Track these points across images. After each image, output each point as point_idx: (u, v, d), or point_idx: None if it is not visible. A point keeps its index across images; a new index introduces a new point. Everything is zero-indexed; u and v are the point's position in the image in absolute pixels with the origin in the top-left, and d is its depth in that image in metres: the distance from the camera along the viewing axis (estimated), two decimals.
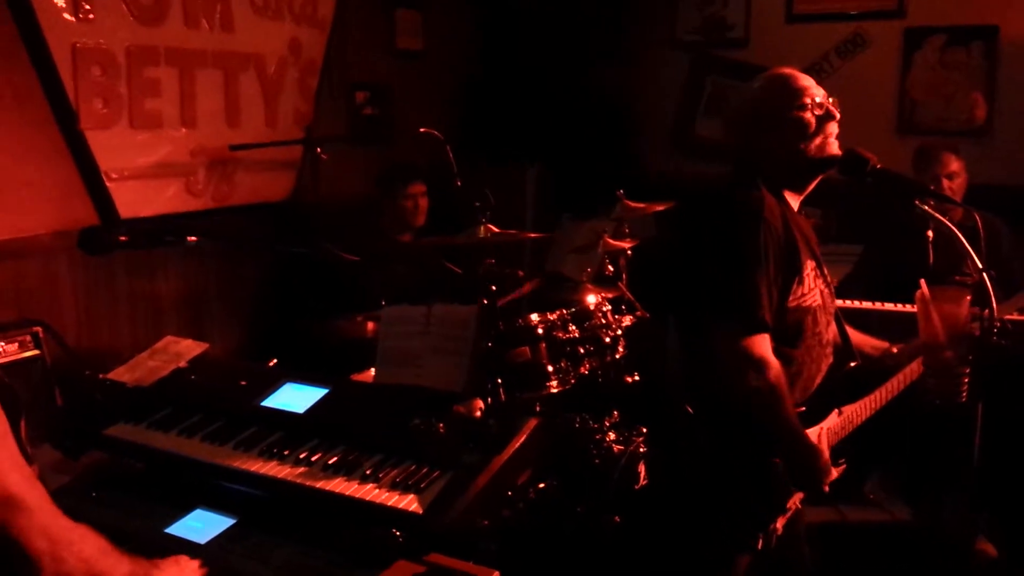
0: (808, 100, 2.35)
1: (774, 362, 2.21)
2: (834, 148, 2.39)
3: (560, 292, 3.91)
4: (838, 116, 2.39)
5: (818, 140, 2.35)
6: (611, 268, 3.88)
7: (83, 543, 1.52)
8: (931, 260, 3.31)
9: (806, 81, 2.40)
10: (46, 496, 1.53)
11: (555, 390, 3.34)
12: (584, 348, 3.47)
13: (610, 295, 3.76)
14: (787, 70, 2.44)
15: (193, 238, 2.34)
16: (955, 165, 3.87)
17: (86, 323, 3.52)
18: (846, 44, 5.13)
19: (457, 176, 3.78)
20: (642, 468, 3.39)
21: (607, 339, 3.54)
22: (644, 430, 3.52)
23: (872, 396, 2.52)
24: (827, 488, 2.32)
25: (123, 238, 2.30)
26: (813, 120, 2.34)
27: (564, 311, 3.51)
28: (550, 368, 3.36)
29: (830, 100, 2.38)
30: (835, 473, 2.33)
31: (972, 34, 4.85)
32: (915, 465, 3.62)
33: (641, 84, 5.68)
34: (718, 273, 2.28)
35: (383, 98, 4.94)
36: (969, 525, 3.24)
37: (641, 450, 3.44)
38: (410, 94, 5.11)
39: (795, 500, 2.36)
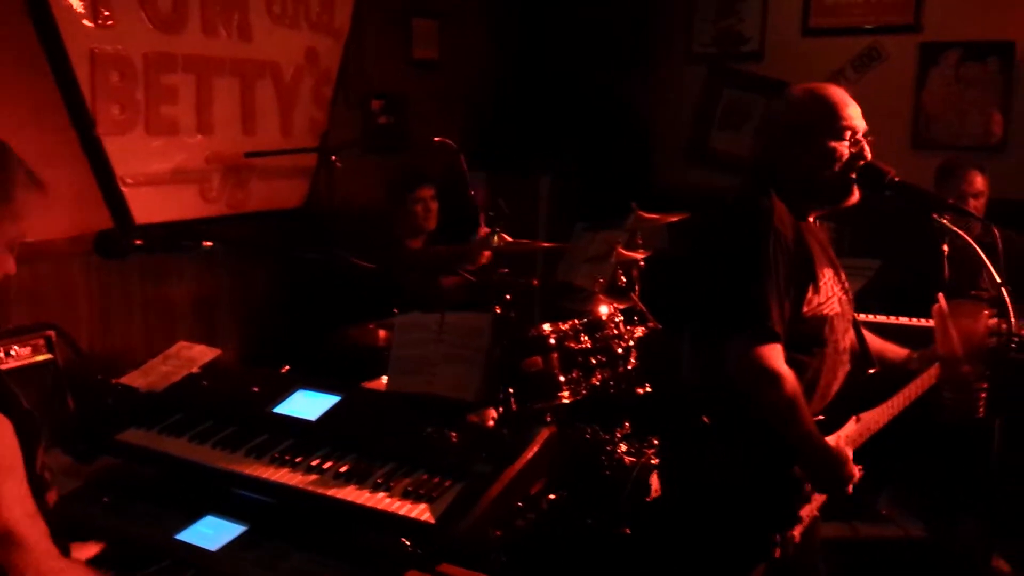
0: (848, 133, 2.29)
1: (787, 372, 2.19)
2: (855, 195, 2.33)
3: (572, 302, 3.90)
4: (868, 156, 2.32)
5: (841, 175, 2.29)
6: (624, 279, 3.87)
7: None
8: (947, 274, 3.29)
9: (852, 110, 2.32)
10: (45, 533, 1.55)
11: (566, 400, 3.33)
12: (596, 359, 3.46)
13: (622, 306, 3.75)
14: (837, 91, 2.36)
15: (208, 243, 2.34)
16: (980, 183, 3.80)
17: (99, 327, 3.53)
18: (862, 58, 5.11)
19: (470, 185, 3.78)
20: (654, 480, 3.37)
21: (619, 350, 3.53)
22: (656, 442, 3.50)
23: (890, 402, 2.49)
24: (851, 490, 2.29)
25: (138, 242, 2.30)
26: (846, 155, 2.29)
27: (576, 321, 3.51)
28: (562, 378, 3.34)
29: (868, 138, 2.32)
30: (857, 474, 2.31)
31: (988, 49, 4.82)
32: (930, 481, 3.59)
33: (656, 96, 5.67)
34: (727, 283, 2.26)
35: (398, 107, 4.95)
36: (984, 542, 3.21)
37: (652, 462, 3.42)
38: (425, 103, 5.12)
39: (811, 509, 2.34)
